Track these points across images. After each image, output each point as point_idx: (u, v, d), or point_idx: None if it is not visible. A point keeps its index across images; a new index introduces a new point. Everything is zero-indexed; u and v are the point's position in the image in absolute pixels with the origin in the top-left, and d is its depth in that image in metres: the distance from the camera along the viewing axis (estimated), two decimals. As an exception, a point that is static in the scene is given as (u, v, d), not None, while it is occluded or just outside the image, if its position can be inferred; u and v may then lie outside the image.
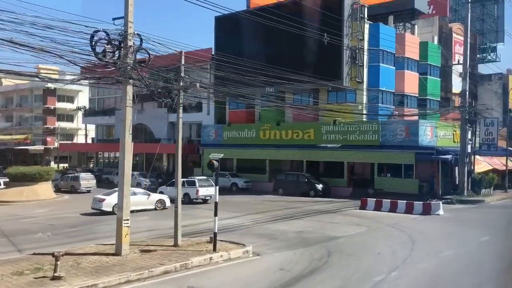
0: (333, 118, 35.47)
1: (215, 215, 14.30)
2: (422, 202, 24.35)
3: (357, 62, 36.10)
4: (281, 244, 16.53)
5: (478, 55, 58.79)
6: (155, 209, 26.90)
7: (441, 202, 24.08)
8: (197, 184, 30.47)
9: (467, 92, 31.39)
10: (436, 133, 33.16)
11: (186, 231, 17.90)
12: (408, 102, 40.25)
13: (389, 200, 25.67)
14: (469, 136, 31.18)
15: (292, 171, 37.75)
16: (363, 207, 26.03)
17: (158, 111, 49.85)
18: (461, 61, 50.44)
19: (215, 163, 13.96)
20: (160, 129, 49.49)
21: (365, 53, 36.64)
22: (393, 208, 24.88)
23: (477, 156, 33.98)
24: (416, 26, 44.05)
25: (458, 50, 49.73)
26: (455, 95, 50.69)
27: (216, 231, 14.15)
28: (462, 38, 50.75)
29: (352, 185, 35.16)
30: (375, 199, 26.07)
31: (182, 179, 34.36)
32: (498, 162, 36.00)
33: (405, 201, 25.00)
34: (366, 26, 37.00)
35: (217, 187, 14.49)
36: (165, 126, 49.28)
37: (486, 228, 19.28)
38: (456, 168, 32.04)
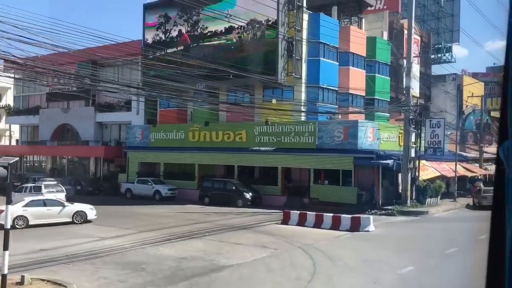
0: (272, 118, 31.61)
1: (5, 248, 9.85)
2: (350, 216, 20.56)
3: (294, 55, 32.32)
4: (141, 279, 12.29)
5: (432, 55, 56.39)
6: (73, 222, 22.13)
7: (371, 217, 20.34)
8: (43, 189, 25.82)
9: (410, 89, 28.02)
10: (378, 136, 29.66)
11: (25, 260, 13.43)
12: (354, 102, 36.76)
13: (314, 213, 21.78)
14: (413, 138, 27.79)
15: (223, 177, 33.59)
16: (285, 221, 22.07)
17: (84, 110, 44.87)
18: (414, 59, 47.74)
19: (1, 170, 9.53)
20: (87, 129, 44.51)
21: (304, 45, 32.91)
22: (318, 223, 21.01)
23: (423, 162, 30.68)
24: (363, 20, 40.75)
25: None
26: (415, 98, 47.86)
27: (6, 272, 9.72)
28: (415, 36, 48.00)
29: (287, 193, 31.29)
30: (298, 212, 22.13)
31: (28, 185, 29.97)
32: (448, 168, 32.87)
33: (332, 215, 21.17)
34: (305, 16, 33.30)
35: (9, 206, 9.99)
36: (92, 127, 44.34)
37: (416, 252, 15.58)
38: (400, 175, 28.60)
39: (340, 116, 33.09)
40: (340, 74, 35.63)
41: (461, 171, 33.72)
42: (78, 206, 22.82)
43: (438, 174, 30.71)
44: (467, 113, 44.65)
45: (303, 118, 32.04)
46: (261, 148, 31.74)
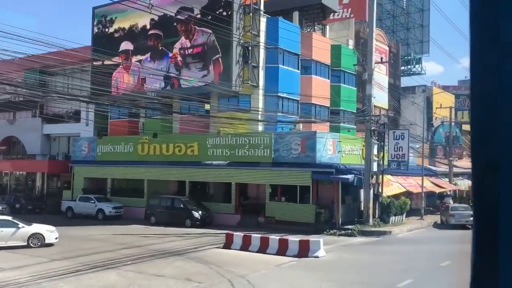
0: (224, 129, 29.09)
1: None
2: (298, 240, 17.98)
3: (250, 61, 29.98)
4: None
5: (402, 67, 55.00)
6: (29, 246, 19.29)
7: (321, 240, 17.78)
8: None
9: (372, 98, 25.90)
10: (339, 148, 27.37)
11: None
12: (317, 113, 34.56)
13: (259, 236, 19.15)
14: (375, 151, 25.57)
15: (176, 193, 30.76)
16: (228, 245, 19.36)
17: (30, 122, 41.60)
18: (381, 70, 46.08)
19: None
20: (34, 142, 41.17)
21: (261, 51, 30.64)
22: (263, 247, 18.36)
23: (388, 176, 28.47)
24: (328, 28, 38.85)
25: (378, 58, 45.19)
26: (375, 108, 46.02)
27: None
28: (382, 46, 46.47)
29: (242, 211, 28.64)
30: (242, 235, 19.44)
31: None
32: (415, 183, 30.77)
33: (278, 238, 18.57)
34: (263, 19, 31.09)
35: None
36: (39, 139, 41.03)
37: (363, 286, 13.09)
38: (362, 191, 26.28)
39: (301, 127, 30.72)
40: (302, 83, 33.43)
41: (429, 186, 31.67)
42: (35, 228, 20.09)
43: (403, 190, 28.54)
44: (436, 126, 42.94)
45: (261, 129, 29.60)
46: (214, 162, 29.12)
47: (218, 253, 18.50)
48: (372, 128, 25.42)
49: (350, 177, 24.68)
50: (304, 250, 17.37)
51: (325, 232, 24.20)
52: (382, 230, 24.06)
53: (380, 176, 26.34)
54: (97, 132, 37.63)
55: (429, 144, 40.66)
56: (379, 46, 45.07)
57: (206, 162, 29.33)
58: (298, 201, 26.52)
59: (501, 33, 0.87)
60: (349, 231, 23.91)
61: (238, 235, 19.42)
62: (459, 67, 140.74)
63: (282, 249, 17.84)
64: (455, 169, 42.31)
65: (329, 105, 35.43)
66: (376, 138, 26.45)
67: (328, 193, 26.68)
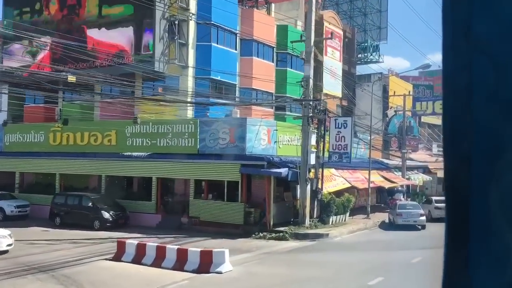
0: (144, 115, 25.16)
1: None
2: (200, 250, 14.31)
3: (177, 38, 26.06)
4: None
5: (359, 55, 52.13)
6: None
7: (226, 252, 14.16)
8: None
9: (311, 80, 22.45)
10: (276, 138, 23.89)
11: None
12: (260, 100, 31.00)
13: (156, 245, 15.39)
14: (313, 141, 22.21)
15: (95, 190, 26.64)
16: (118, 256, 15.49)
17: None
18: (335, 56, 43.00)
19: None
20: None
21: (191, 27, 26.77)
22: (158, 260, 14.62)
23: (331, 170, 25.27)
24: (273, 6, 35.30)
25: (331, 43, 42.00)
26: (327, 97, 42.91)
27: None
28: (336, 29, 43.31)
29: (164, 211, 24.85)
30: (136, 243, 15.64)
31: None
32: (362, 178, 27.68)
33: (177, 248, 14.86)
34: (193, -9, 27.21)
35: None
36: None
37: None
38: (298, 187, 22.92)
39: (238, 115, 27.01)
40: (242, 65, 29.82)
41: (378, 181, 28.67)
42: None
43: (348, 185, 25.37)
44: (390, 116, 40.14)
45: (191, 116, 25.74)
46: (133, 154, 25.14)
47: (102, 267, 14.68)
48: (310, 114, 22.02)
49: (283, 171, 21.23)
50: (205, 264, 13.76)
51: (253, 235, 20.76)
52: (318, 233, 20.76)
53: (320, 170, 23.06)
54: (11, 119, 32.95)
55: (382, 136, 37.84)
56: (332, 29, 41.91)
57: (125, 154, 25.33)
58: (225, 199, 22.92)
59: (473, 27, 0.87)
60: (281, 234, 20.53)
61: (131, 244, 15.60)
62: (427, 62, 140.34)
63: (181, 262, 14.16)
64: (410, 163, 39.70)
65: (273, 91, 32.00)
66: (316, 126, 23.13)
67: (259, 190, 23.23)
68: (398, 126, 36.40)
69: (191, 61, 26.85)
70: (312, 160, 22.05)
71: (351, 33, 45.97)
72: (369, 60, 51.19)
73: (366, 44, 50.39)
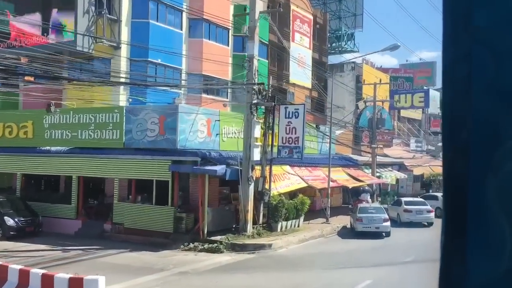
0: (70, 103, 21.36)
1: None
2: (69, 277, 10.66)
3: (105, 13, 22.27)
4: None
5: (333, 43, 48.71)
6: None
7: (101, 280, 10.30)
8: None
9: (256, 60, 18.83)
10: (219, 130, 20.27)
11: None
12: (215, 90, 27.34)
13: (18, 268, 11.67)
14: (258, 133, 18.61)
15: (7, 190, 22.79)
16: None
17: None
18: (303, 43, 39.51)
19: None
20: None
21: (124, 0, 22.99)
22: (21, 286, 10.99)
23: (285, 168, 21.76)
24: (230, -17, 31.57)
25: (299, 28, 38.51)
26: (294, 87, 39.48)
27: None
28: (305, 14, 39.81)
29: (86, 215, 21.11)
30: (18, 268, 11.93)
31: None
32: (324, 176, 24.16)
33: (42, 273, 11.15)
34: (127, -41, 23.40)
35: None
36: None
37: None
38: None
39: (183, 103, 23.25)
40: (191, 48, 26.15)
41: (342, 180, 25.23)
42: None
43: (304, 184, 21.88)
44: (362, 108, 36.79)
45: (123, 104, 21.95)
46: (52, 149, 21.34)
47: None
48: (254, 101, 18.43)
49: (218, 168, 17.60)
50: (74, 294, 10.11)
51: (182, 246, 17.17)
52: (259, 243, 17.20)
53: (268, 167, 19.53)
54: None
55: (353, 130, 34.50)
56: (300, 13, 38.42)
57: (42, 149, 21.51)
58: (154, 202, 19.27)
59: (473, 18, 0.88)
60: (215, 244, 16.97)
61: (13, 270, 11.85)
62: (415, 59, 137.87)
63: (46, 291, 10.50)
64: (384, 159, 36.46)
65: (229, 79, 28.36)
66: (263, 115, 19.59)
67: (194, 192, 19.64)
68: (369, 118, 33.05)
69: (125, 40, 23.08)
70: (256, 155, 18.48)
71: (322, 19, 42.48)
72: (343, 49, 47.84)
73: (340, 32, 46.99)
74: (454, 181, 0.89)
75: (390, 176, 32.18)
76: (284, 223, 19.71)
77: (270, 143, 19.65)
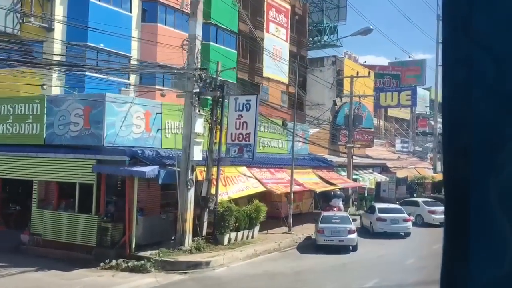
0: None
1: None
2: None
3: (33, -11, 19.25)
4: None
5: (316, 37, 45.83)
6: None
7: None
8: None
9: (198, 41, 15.83)
10: (160, 124, 17.26)
11: None
12: (165, 78, 24.34)
13: None
14: (199, 128, 15.62)
15: None
16: None
17: None
18: (279, 35, 36.70)
19: None
20: None
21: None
22: None
23: (242, 169, 18.79)
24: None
25: (274, 18, 35.60)
26: (268, 82, 36.55)
27: None
28: (282, 3, 36.95)
29: (3, 224, 18.05)
30: None
31: None
32: (288, 179, 21.22)
33: None
34: None
35: None
36: None
37: None
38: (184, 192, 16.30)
39: (132, 94, 20.16)
40: (144, 33, 23.18)
41: (310, 183, 22.26)
42: None
43: (261, 189, 18.89)
44: (340, 104, 33.89)
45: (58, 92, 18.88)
46: (-33, 145, 18.25)
47: None
48: (196, 90, 15.46)
49: (149, 170, 14.59)
50: None
51: (102, 264, 14.15)
52: (194, 261, 14.21)
53: (214, 169, 16.57)
54: None
55: (330, 128, 31.59)
56: (276, 2, 35.51)
57: (-43, 145, 18.43)
58: (76, 209, 16.22)
59: (473, 22, 0.88)
60: (142, 262, 13.98)
61: None
62: (406, 56, 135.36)
63: None
64: (364, 160, 33.63)
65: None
66: (210, 108, 16.64)
67: (144, 196, 16.66)
68: (345, 115, 30.16)
69: (59, 19, 20.03)
70: (197, 154, 15.48)
71: (302, 10, 39.60)
72: (325, 43, 44.95)
73: (322, 25, 44.09)
74: (455, 183, 0.88)
75: (369, 179, 29.30)
76: (233, 234, 16.73)
77: (218, 140, 16.69)
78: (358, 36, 26.26)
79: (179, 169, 15.47)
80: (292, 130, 22.70)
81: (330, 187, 23.42)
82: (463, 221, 0.86)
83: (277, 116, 28.48)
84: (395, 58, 66.61)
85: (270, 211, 20.39)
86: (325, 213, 18.17)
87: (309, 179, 23.09)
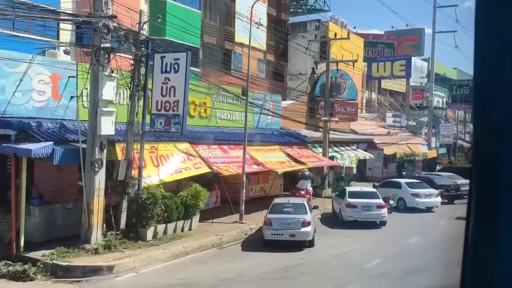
0: None
1: None
2: None
3: None
4: None
5: (301, 0, 41.80)
6: None
7: None
8: None
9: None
10: (76, 90, 13.82)
11: None
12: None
13: None
14: (109, 94, 12.25)
15: None
16: None
17: None
18: None
19: None
20: None
21: None
22: None
23: (185, 146, 15.50)
24: None
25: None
26: (242, 48, 32.86)
27: None
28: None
29: None
30: None
31: None
32: (246, 157, 17.94)
33: None
34: None
35: None
36: None
37: None
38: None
39: (60, 56, 16.63)
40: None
41: (273, 162, 18.92)
42: None
43: (206, 170, 15.57)
44: (321, 73, 30.21)
45: None
46: None
47: None
48: (103, 45, 12.02)
49: (37, 147, 11.25)
50: None
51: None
52: (94, 265, 11.02)
53: (136, 146, 13.27)
54: None
55: (308, 100, 28.07)
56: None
57: None
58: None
59: None
60: (26, 266, 10.83)
61: None
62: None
63: None
64: (347, 136, 30.25)
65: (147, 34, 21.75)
66: (130, 69, 13.22)
67: (49, 180, 13.46)
68: (322, 84, 26.61)
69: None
70: (106, 128, 12.12)
71: (283, -32, 35.60)
72: (311, 7, 40.96)
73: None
74: (485, 161, 0.84)
75: (349, 157, 25.95)
76: (161, 227, 13.50)
77: (142, 110, 13.33)
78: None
79: (84, 146, 12.18)
80: (240, 98, 19.25)
81: (298, 167, 20.12)
82: (492, 200, 0.81)
83: (257, 89, 25.10)
84: (392, 27, 62.34)
85: (230, 195, 17.20)
86: (276, 200, 14.87)
87: (274, 158, 19.79)
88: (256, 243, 13.90)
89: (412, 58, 50.92)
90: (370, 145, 32.14)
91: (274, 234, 13.04)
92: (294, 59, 35.47)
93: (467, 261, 0.85)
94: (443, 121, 46.21)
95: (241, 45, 31.51)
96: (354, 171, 25.97)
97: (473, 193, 0.86)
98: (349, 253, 12.74)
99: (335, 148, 27.26)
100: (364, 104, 47.21)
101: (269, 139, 21.12)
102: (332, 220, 17.71)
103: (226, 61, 29.27)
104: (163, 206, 13.49)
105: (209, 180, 17.82)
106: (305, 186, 19.21)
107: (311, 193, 19.67)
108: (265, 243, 13.37)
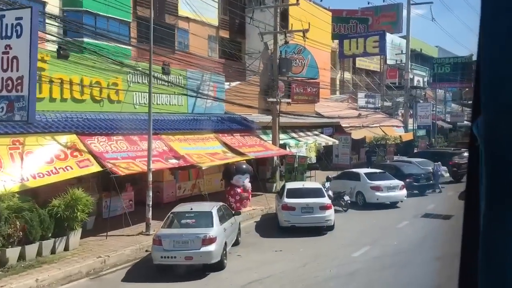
0: None
1: None
2: None
3: None
4: None
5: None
6: None
7: None
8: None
9: None
10: None
11: None
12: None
13: None
14: None
15: None
16: None
17: None
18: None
19: None
20: None
21: None
22: None
23: (70, 138, 11.90)
24: None
25: None
26: (188, 22, 29.01)
27: None
28: None
29: None
30: None
31: None
32: (161, 150, 14.39)
33: None
34: None
35: None
36: None
37: None
38: None
39: None
40: None
41: (200, 154, 15.35)
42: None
43: (94, 169, 12.00)
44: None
45: None
46: None
47: None
48: None
49: None
50: None
51: None
52: None
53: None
54: None
55: (260, 79, 24.41)
56: None
57: None
58: None
59: None
60: None
61: None
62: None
63: None
64: (308, 120, 26.74)
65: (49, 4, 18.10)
66: None
67: None
68: (269, 58, 22.99)
69: None
70: None
71: None
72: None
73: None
74: (496, 145, 0.81)
75: (306, 144, 22.46)
76: (13, 250, 9.90)
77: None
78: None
79: None
80: (160, 78, 15.59)
81: (236, 158, 16.58)
82: (503, 186, 0.77)
83: (204, 68, 21.41)
84: (368, 3, 58.61)
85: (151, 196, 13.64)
86: (176, 208, 11.24)
87: (203, 148, 16.23)
88: (151, 265, 10.37)
89: (389, 35, 47.51)
90: (337, 129, 28.73)
91: (164, 257, 9.52)
92: (253, 36, 31.67)
93: (471, 265, 0.77)
94: (421, 101, 42.94)
95: (187, 19, 27.77)
96: (313, 160, 22.52)
97: (485, 178, 0.79)
98: (263, 281, 9.24)
99: (293, 134, 23.77)
100: (338, 85, 43.85)
101: (202, 125, 17.54)
102: (271, 225, 14.26)
103: (167, 39, 25.50)
104: (18, 222, 9.90)
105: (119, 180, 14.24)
106: (242, 182, 15.69)
107: (250, 190, 16.16)
108: (158, 267, 9.86)
